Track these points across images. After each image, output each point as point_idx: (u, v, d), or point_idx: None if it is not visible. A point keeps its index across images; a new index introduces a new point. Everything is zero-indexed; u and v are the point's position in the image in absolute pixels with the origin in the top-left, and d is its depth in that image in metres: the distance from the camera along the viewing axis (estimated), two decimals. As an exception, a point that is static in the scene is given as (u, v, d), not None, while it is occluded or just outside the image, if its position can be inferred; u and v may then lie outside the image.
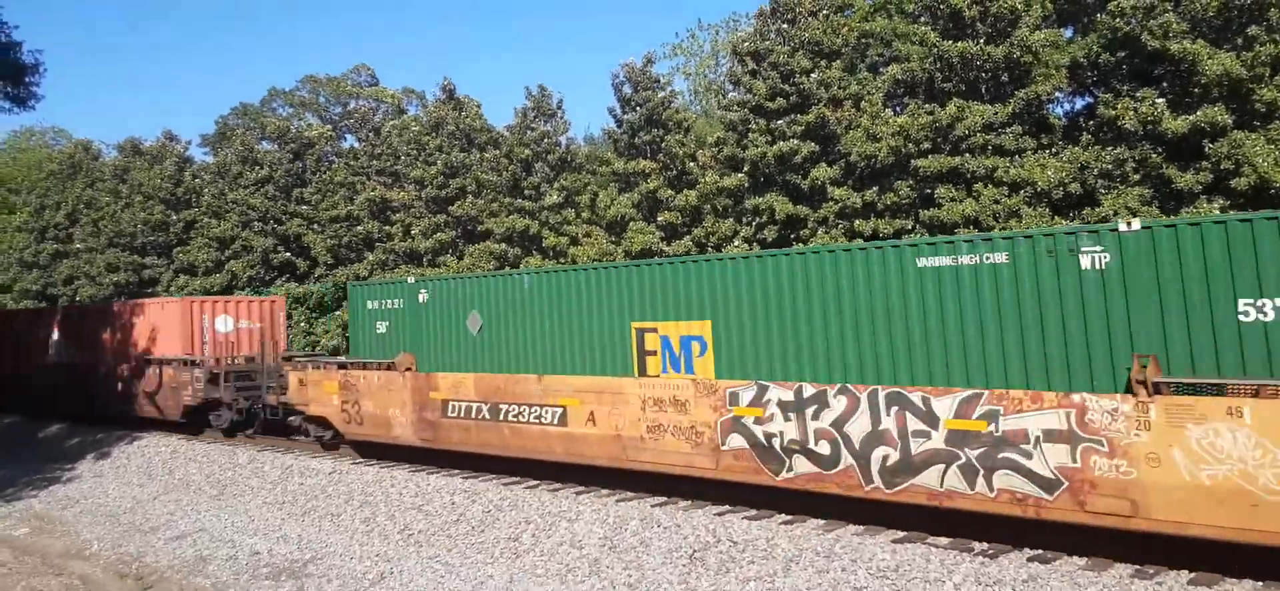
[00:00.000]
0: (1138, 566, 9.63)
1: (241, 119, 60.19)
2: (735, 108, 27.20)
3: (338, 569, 13.09)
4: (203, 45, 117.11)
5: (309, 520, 15.67)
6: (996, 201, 21.71)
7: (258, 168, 40.32)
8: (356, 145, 42.04)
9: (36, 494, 20.33)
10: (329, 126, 49.21)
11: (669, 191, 28.76)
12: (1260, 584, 8.96)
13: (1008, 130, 22.33)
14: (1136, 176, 20.70)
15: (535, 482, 15.47)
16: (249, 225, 39.44)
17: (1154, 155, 20.35)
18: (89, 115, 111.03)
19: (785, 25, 26.66)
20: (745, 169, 26.34)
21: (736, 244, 26.29)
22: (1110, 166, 20.86)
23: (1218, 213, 18.43)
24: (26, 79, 26.82)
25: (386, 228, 35.49)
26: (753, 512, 12.69)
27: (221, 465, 19.96)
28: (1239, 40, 19.83)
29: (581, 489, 14.80)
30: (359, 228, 36.18)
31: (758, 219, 25.89)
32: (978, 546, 10.61)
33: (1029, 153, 22.26)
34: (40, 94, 28.85)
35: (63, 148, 60.17)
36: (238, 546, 14.75)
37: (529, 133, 33.20)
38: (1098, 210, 20.61)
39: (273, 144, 42.44)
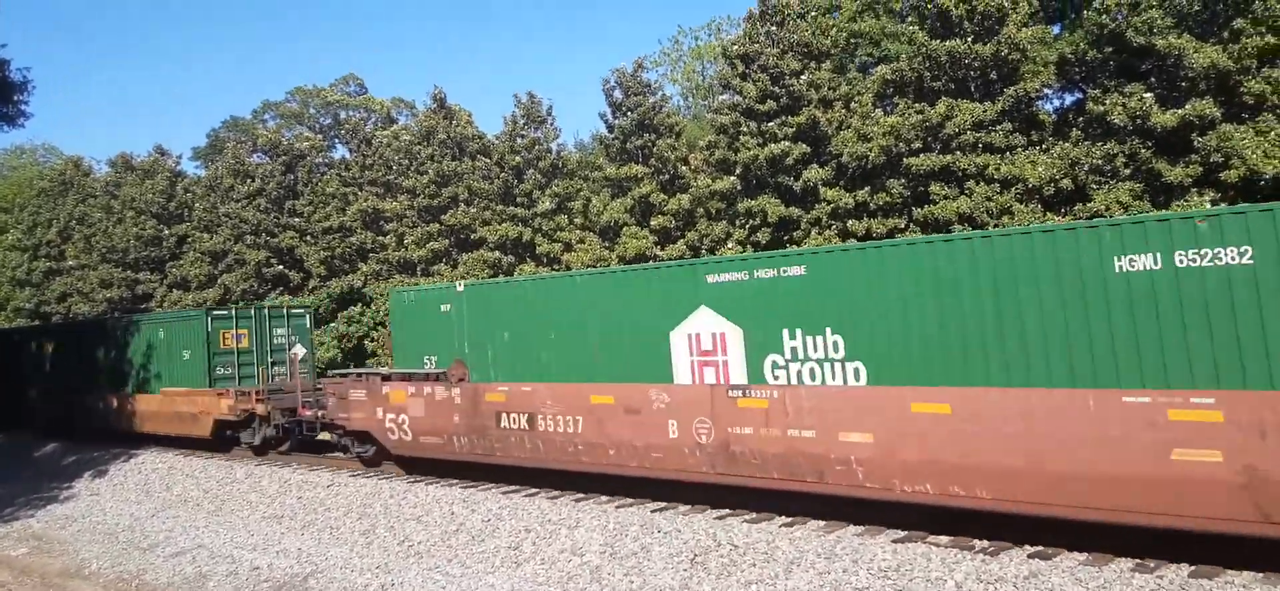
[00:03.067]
0: (1138, 560, 9.68)
1: (232, 132, 60.09)
2: (726, 111, 27.26)
3: (338, 581, 13.07)
4: (193, 59, 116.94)
5: (308, 533, 15.64)
6: (989, 198, 21.81)
7: (249, 180, 40.26)
8: (348, 156, 42.02)
9: (34, 513, 20.24)
10: (319, 137, 49.16)
11: (662, 195, 28.80)
12: (1261, 574, 9.01)
13: (997, 127, 22.43)
14: (1127, 171, 20.81)
15: (534, 490, 15.47)
16: (242, 238, 39.37)
17: (1144, 150, 20.46)
18: (80, 132, 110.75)
19: (774, 27, 26.73)
20: (737, 171, 26.39)
21: (730, 246, 26.34)
22: (1101, 162, 20.96)
23: (1208, 206, 18.53)
24: (15, 97, 26.78)
25: (380, 238, 35.47)
26: (753, 516, 12.71)
27: (219, 480, 19.90)
28: (1225, 34, 19.96)
29: (581, 496, 14.81)
30: (352, 238, 36.14)
31: (751, 221, 25.95)
32: (978, 544, 10.64)
33: (1019, 149, 22.36)
34: (29, 112, 28.80)
35: (54, 165, 60.00)
36: (237, 562, 14.71)
37: (520, 140, 33.23)
38: (1089, 205, 20.71)
39: (264, 156, 42.38)
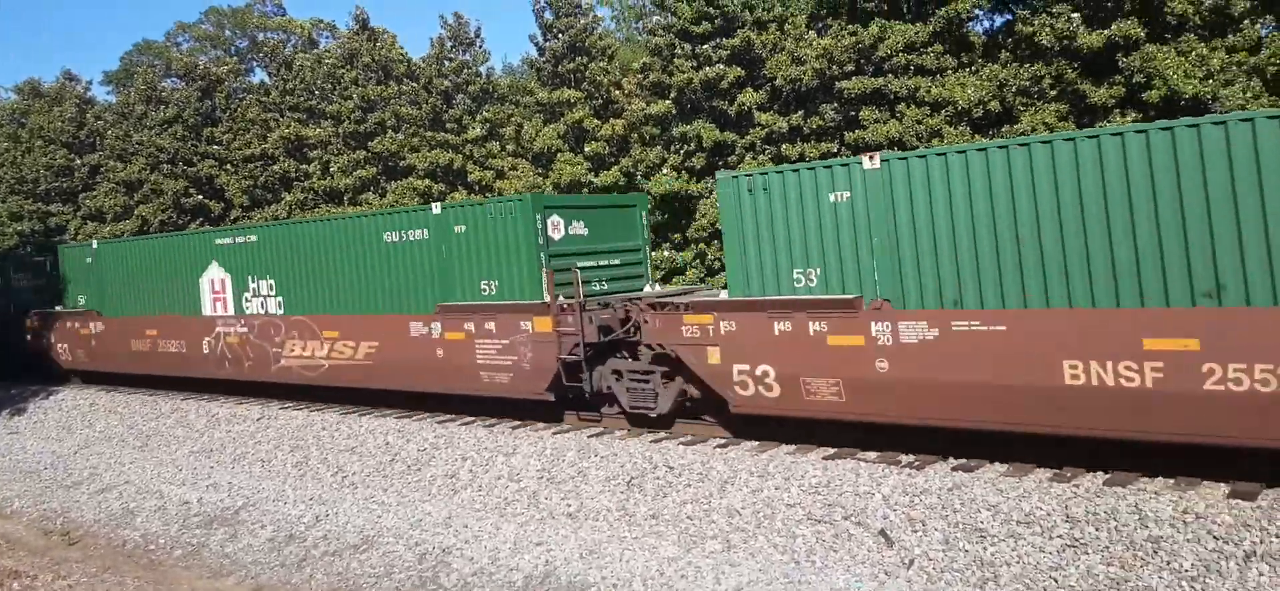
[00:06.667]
0: (1056, 469, 10.04)
1: (144, 56, 57.50)
2: (660, 32, 26.87)
3: (271, 514, 12.90)
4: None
5: (239, 467, 15.39)
6: (919, 122, 21.98)
7: (164, 107, 38.61)
8: (267, 80, 40.49)
9: (-53, 455, 19.53)
10: (236, 61, 47.32)
11: (595, 121, 28.43)
12: (1172, 481, 9.41)
13: (929, 50, 22.52)
14: (1053, 92, 21.13)
15: (471, 419, 15.41)
16: (158, 167, 37.84)
17: (1069, 71, 20.76)
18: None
19: (708, -53, 26.26)
20: (671, 95, 26.13)
21: (665, 172, 26.17)
22: (1028, 83, 21.23)
23: (1129, 123, 18.88)
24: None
25: (304, 166, 34.45)
26: (689, 438, 12.86)
27: (144, 416, 19.42)
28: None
29: (518, 423, 14.80)
30: (274, 166, 35.03)
31: (685, 146, 25.80)
32: (904, 459, 10.93)
33: (950, 72, 22.52)
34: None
35: (-49, 92, 56.70)
36: (165, 497, 14.42)
37: (447, 63, 32.38)
38: (1016, 126, 21.02)
39: (179, 81, 40.64)
